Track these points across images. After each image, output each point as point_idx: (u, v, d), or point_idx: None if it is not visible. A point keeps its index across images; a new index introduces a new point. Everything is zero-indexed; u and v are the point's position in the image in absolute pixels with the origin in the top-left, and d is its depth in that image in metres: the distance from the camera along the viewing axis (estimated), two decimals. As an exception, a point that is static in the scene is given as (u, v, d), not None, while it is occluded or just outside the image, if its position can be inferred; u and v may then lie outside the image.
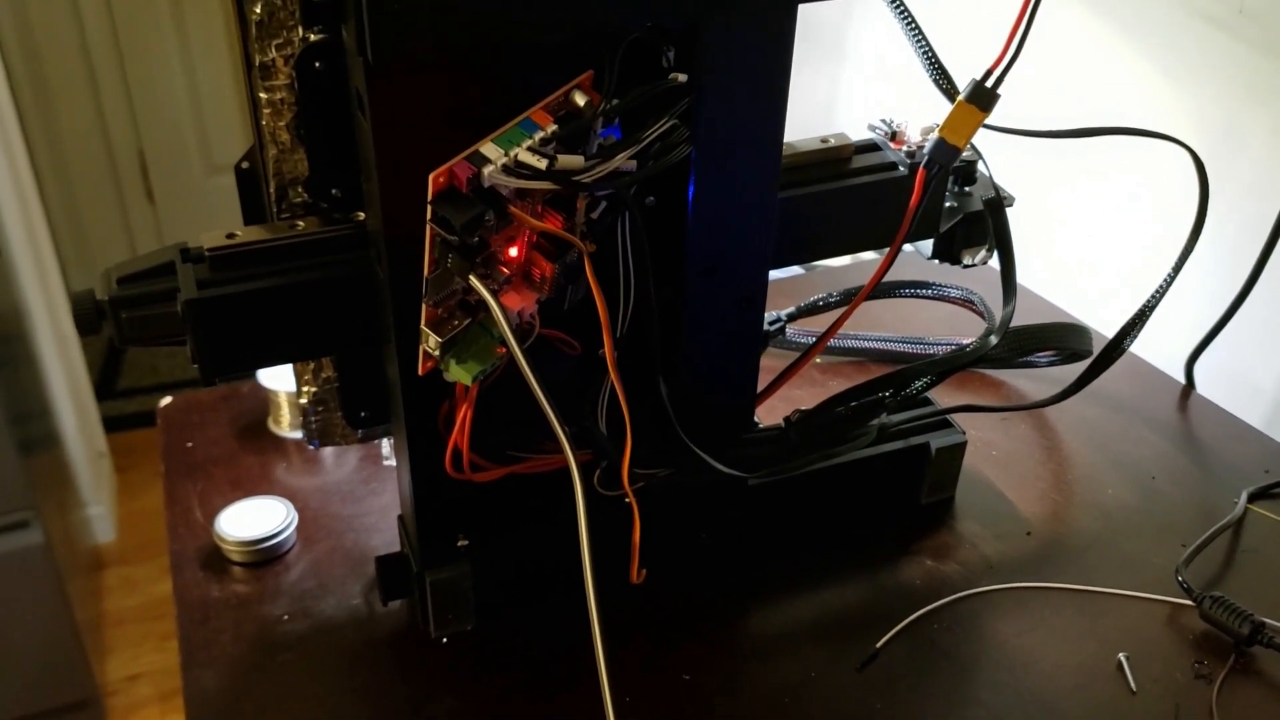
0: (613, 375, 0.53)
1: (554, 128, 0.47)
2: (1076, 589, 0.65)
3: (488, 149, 0.46)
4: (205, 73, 2.06)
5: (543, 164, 0.46)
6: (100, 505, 1.73)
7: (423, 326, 0.49)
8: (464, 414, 0.53)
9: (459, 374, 0.50)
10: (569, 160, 0.47)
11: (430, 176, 0.45)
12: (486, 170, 0.45)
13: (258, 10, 0.51)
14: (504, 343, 0.48)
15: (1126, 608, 0.64)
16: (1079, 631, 0.62)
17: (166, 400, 0.79)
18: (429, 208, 0.46)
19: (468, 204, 0.46)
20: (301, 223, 0.55)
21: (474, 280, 0.47)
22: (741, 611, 0.64)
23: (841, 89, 1.38)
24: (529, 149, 0.46)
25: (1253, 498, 0.71)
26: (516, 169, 0.46)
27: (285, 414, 0.76)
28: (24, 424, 1.38)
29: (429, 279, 0.47)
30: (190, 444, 0.76)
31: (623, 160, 0.49)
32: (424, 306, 0.48)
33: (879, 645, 0.61)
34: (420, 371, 0.51)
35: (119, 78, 2.03)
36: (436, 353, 0.49)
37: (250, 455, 0.75)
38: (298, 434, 0.76)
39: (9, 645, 1.34)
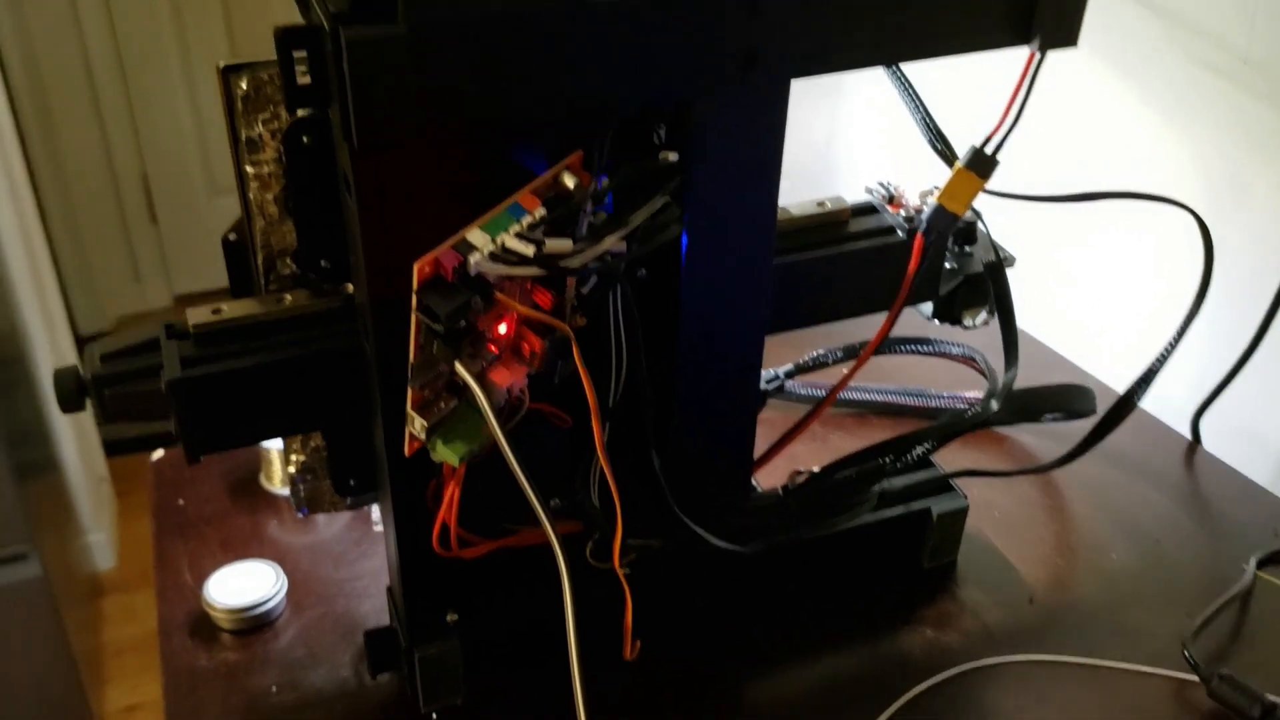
0: (601, 459, 0.52)
1: (542, 212, 0.46)
2: (1080, 662, 0.63)
3: (474, 236, 0.45)
4: (208, 94, 2.05)
5: (530, 250, 0.45)
6: (101, 532, 1.71)
7: (409, 410, 0.48)
8: (451, 492, 0.52)
9: (446, 454, 0.49)
10: (557, 244, 0.46)
11: (415, 266, 0.44)
12: (473, 259, 0.44)
13: (244, 85, 0.50)
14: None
15: (1132, 683, 0.62)
16: (1083, 707, 0.61)
17: (159, 454, 0.79)
18: (414, 297, 0.44)
19: (454, 292, 0.45)
20: (289, 295, 0.54)
21: (459, 367, 0.46)
22: (736, 682, 0.63)
23: (840, 124, 1.37)
24: (516, 235, 0.45)
25: (1261, 564, 0.69)
26: (504, 255, 0.45)
27: (277, 470, 0.75)
28: (23, 449, 1.37)
29: (414, 365, 0.46)
30: (181, 501, 0.75)
31: (612, 243, 0.48)
32: (410, 390, 0.47)
33: (877, 722, 0.60)
34: (406, 453, 0.50)
35: (122, 99, 2.03)
36: (423, 436, 0.48)
37: (241, 514, 0.74)
38: (288, 490, 0.75)
39: (4, 679, 1.33)
